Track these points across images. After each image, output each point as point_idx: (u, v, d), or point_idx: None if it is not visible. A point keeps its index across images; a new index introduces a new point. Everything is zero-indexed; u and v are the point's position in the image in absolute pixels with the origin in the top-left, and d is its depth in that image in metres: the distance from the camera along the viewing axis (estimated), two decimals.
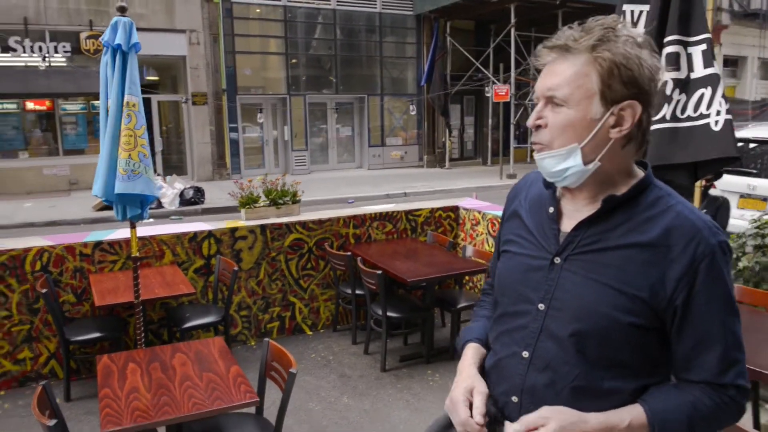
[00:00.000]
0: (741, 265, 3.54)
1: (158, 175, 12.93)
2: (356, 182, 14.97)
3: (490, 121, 17.72)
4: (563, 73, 1.19)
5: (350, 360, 4.61)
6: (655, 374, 1.24)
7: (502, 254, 1.43)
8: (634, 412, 1.19)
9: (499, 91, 15.68)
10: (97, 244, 4.39)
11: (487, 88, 17.35)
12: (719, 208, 4.95)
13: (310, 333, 5.20)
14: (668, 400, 1.20)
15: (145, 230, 4.68)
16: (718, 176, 5.02)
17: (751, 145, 7.04)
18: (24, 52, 13.19)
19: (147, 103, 15.20)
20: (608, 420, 1.18)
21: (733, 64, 24.31)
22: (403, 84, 18.67)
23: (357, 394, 4.07)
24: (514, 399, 1.29)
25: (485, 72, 17.66)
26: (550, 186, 1.32)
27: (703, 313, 1.17)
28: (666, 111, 2.05)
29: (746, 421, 3.17)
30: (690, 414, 1.18)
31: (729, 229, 4.79)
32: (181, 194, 11.72)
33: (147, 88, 15.43)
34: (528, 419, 1.20)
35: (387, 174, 16.75)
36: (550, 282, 1.25)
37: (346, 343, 4.94)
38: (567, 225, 1.28)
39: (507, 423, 1.25)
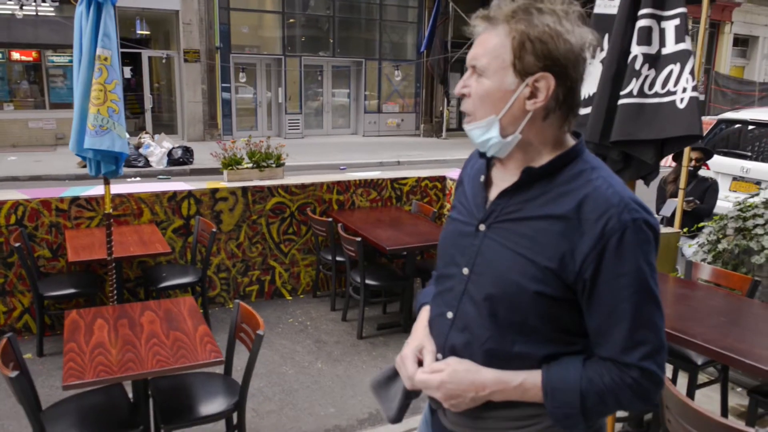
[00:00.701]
0: (720, 247, 3.52)
1: (146, 133, 12.76)
2: (350, 149, 14.84)
3: None
4: (485, 43, 1.22)
5: (327, 326, 4.61)
6: (573, 344, 1.25)
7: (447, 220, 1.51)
8: (531, 374, 1.24)
9: None
10: (74, 200, 4.32)
11: None
12: (707, 190, 4.90)
13: (290, 298, 5.19)
14: (568, 369, 1.22)
15: (123, 188, 4.61)
16: (709, 156, 4.97)
17: (749, 127, 6.98)
18: (10, 0, 12.83)
19: (137, 58, 14.91)
20: (502, 376, 1.25)
21: (743, 43, 23.88)
22: (403, 49, 18.37)
23: (331, 359, 4.08)
24: (439, 356, 1.36)
25: None
26: (483, 155, 1.35)
27: (610, 290, 1.17)
28: (634, 86, 2.00)
29: (714, 405, 3.20)
30: (585, 387, 1.20)
31: (717, 210, 4.75)
32: (170, 153, 11.57)
33: (138, 43, 15.11)
34: (434, 365, 1.32)
35: (382, 141, 16.61)
36: (474, 248, 1.31)
37: (325, 309, 4.94)
38: (494, 194, 1.32)
39: (420, 370, 1.35)
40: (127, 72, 14.73)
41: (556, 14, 1.18)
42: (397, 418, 1.45)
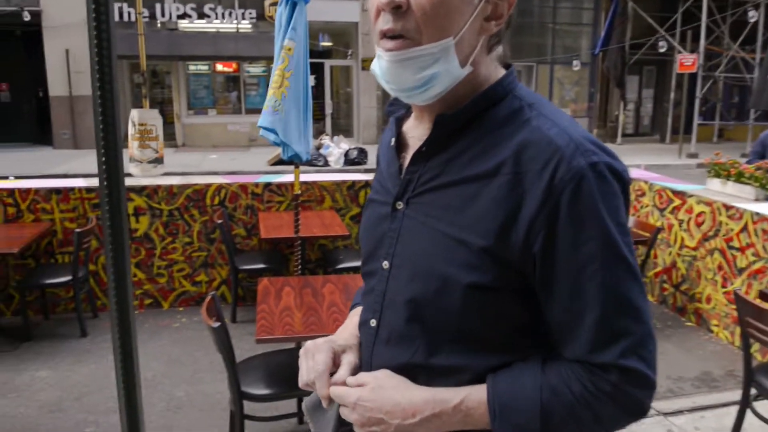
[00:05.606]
0: None
1: (326, 135, 13.72)
2: None
3: (672, 94, 16.11)
4: None
5: None
6: (526, 348, 0.91)
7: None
8: (476, 389, 0.89)
9: (685, 62, 14.04)
10: (267, 185, 4.79)
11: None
12: None
13: None
14: (522, 378, 0.88)
15: (307, 176, 5.01)
16: None
17: None
18: (216, 18, 14.61)
19: (320, 68, 16.10)
20: (437, 394, 0.90)
21: None
22: (575, 52, 17.62)
23: None
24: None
25: (671, 40, 15.99)
26: (391, 111, 1.04)
27: (570, 264, 0.83)
28: None
29: None
30: (547, 401, 0.85)
31: None
32: (346, 154, 12.34)
33: (321, 55, 16.32)
34: (360, 377, 0.97)
35: None
36: (394, 233, 0.97)
37: None
38: (409, 159, 0.98)
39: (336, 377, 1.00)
40: (311, 80, 15.99)
41: None
42: None
